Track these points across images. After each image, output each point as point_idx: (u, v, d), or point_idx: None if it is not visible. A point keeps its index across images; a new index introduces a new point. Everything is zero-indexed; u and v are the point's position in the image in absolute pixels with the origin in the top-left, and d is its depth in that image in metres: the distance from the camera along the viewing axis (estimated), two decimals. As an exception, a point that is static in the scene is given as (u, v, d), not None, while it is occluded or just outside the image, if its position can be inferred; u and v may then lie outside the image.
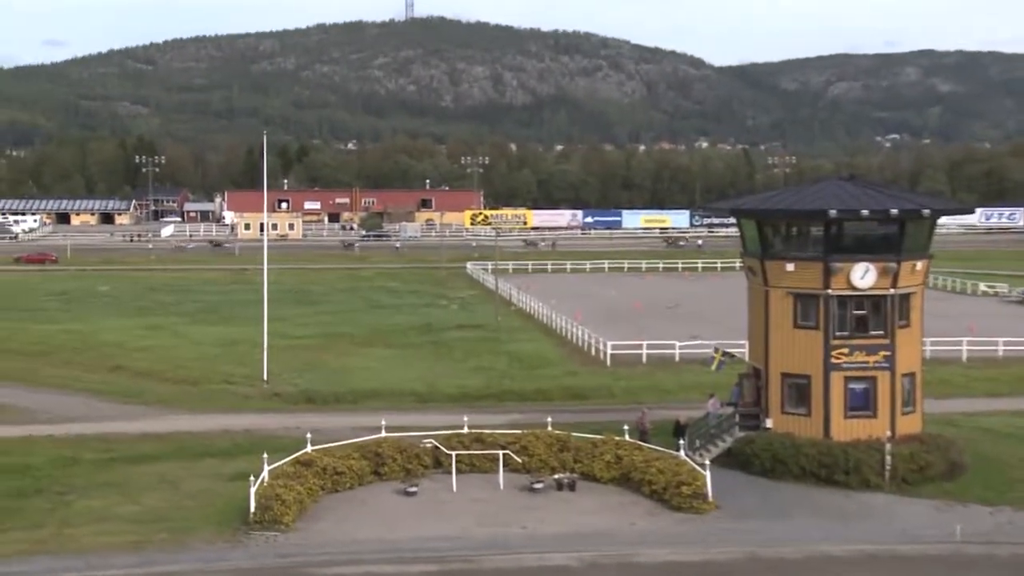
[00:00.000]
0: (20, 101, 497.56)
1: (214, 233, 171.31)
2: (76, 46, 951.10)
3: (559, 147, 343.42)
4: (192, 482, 33.73)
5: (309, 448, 34.32)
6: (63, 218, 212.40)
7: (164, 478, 34.19)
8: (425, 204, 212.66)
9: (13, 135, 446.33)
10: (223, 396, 47.94)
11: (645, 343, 56.07)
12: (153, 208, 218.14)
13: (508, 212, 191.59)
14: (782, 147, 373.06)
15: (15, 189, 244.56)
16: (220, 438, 39.66)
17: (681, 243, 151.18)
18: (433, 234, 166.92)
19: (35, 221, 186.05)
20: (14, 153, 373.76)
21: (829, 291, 34.42)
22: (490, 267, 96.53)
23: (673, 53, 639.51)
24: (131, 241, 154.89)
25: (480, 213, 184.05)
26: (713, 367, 40.40)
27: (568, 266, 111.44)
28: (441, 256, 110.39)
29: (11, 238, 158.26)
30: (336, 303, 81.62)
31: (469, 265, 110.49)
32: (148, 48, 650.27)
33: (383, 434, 35.99)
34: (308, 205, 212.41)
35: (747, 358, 38.82)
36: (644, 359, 55.00)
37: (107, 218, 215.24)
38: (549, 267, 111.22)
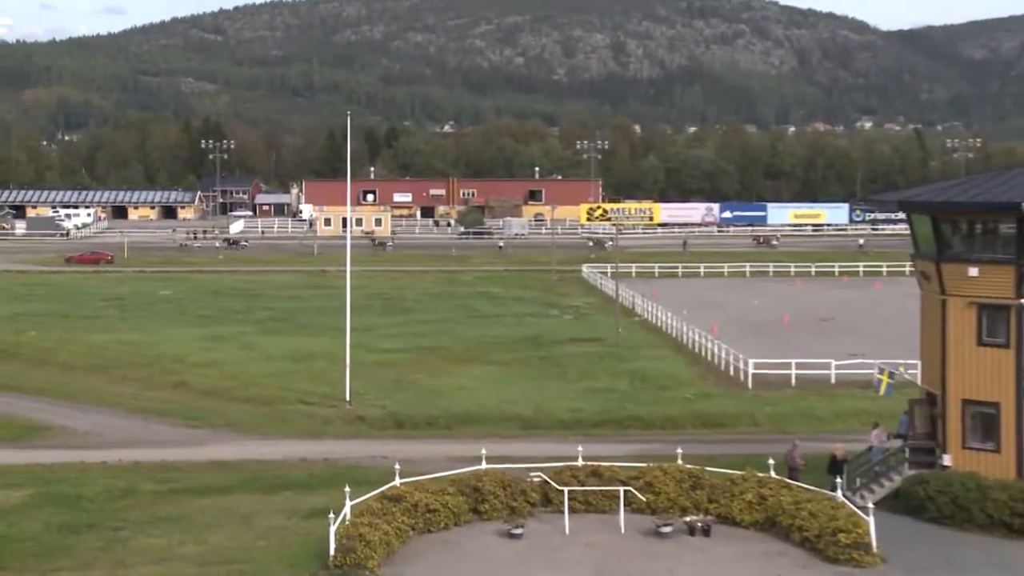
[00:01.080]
0: (73, 77, 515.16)
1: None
2: (136, 14, 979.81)
3: (692, 129, 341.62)
4: (264, 518, 34.35)
5: (398, 481, 34.66)
6: (120, 212, 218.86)
7: (232, 513, 34.87)
8: (534, 196, 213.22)
9: (65, 116, 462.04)
10: (299, 419, 48.77)
11: (794, 362, 55.34)
12: (221, 200, 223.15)
13: (631, 206, 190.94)
14: (964, 127, 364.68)
15: (66, 179, 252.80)
16: (296, 468, 40.33)
17: (774, 242, 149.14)
18: (543, 231, 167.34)
19: (88, 215, 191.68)
20: (66, 137, 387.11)
21: (1023, 301, 33.51)
22: (609, 270, 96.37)
23: (830, 16, 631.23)
24: (194, 238, 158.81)
25: (598, 207, 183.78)
26: (880, 391, 39.67)
27: (702, 269, 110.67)
28: (552, 257, 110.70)
29: (62, 235, 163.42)
30: (430, 311, 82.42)
31: (585, 268, 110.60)
32: (216, 16, 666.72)
33: (483, 465, 36.16)
34: (398, 197, 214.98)
35: (920, 381, 37.98)
36: (793, 381, 54.30)
37: (169, 212, 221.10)
38: (680, 270, 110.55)
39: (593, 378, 56.63)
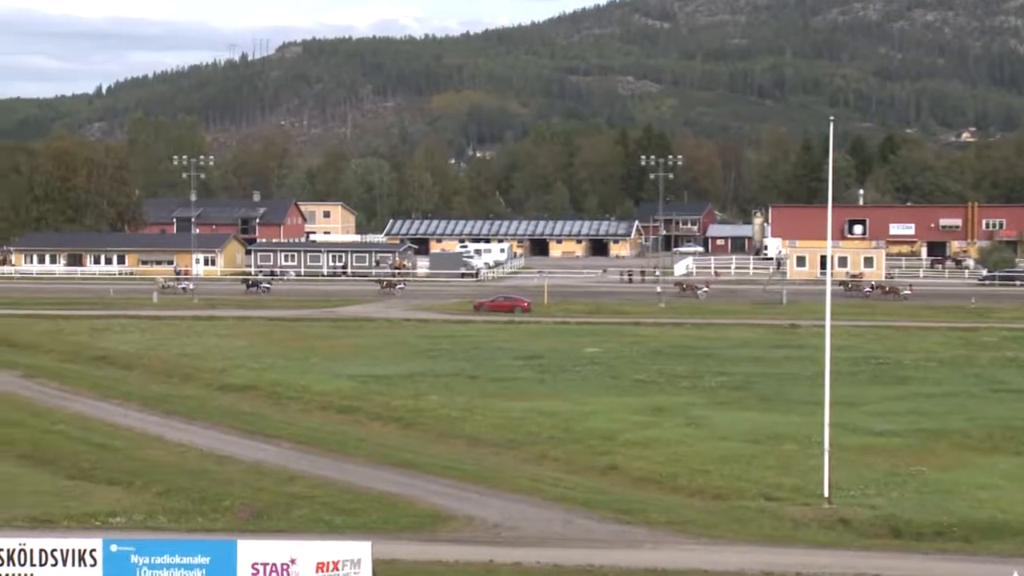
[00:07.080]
0: (488, 79, 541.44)
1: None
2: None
3: None
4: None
5: (894, 609, 34.00)
6: (539, 246, 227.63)
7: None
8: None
9: (477, 126, 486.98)
10: (761, 519, 48.67)
11: None
12: (664, 233, 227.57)
13: None
14: None
15: (476, 205, 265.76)
16: (756, 584, 40.32)
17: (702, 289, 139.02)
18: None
19: (502, 251, 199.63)
20: (477, 153, 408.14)
21: None
22: None
23: None
24: (630, 281, 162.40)
25: None
26: None
27: None
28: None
29: (471, 275, 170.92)
30: (937, 382, 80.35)
31: None
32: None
33: (1014, 595, 34.90)
34: (896, 229, 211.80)
35: None
36: None
37: (598, 247, 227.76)
38: None
39: None
